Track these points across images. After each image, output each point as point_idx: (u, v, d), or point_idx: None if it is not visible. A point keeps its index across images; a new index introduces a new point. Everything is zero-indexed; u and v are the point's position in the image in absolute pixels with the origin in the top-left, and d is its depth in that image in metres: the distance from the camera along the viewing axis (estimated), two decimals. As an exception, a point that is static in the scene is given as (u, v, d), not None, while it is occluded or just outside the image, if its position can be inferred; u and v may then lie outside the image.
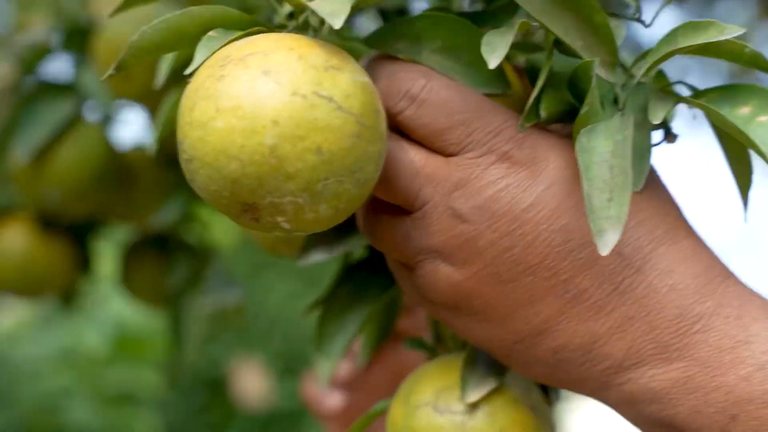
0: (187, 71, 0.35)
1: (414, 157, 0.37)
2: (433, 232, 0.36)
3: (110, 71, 0.36)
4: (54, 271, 0.76)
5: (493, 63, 0.34)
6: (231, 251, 2.59)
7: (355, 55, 0.39)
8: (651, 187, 0.37)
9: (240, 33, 0.36)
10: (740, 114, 0.34)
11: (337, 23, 0.32)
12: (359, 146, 0.33)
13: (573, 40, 0.36)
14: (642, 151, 0.37)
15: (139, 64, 0.36)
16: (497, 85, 0.39)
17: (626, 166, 0.33)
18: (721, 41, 0.34)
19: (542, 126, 0.37)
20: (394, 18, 0.41)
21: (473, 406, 0.38)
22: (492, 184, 0.35)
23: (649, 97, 0.36)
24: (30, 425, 1.73)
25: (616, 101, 0.37)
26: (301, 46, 0.34)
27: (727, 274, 0.36)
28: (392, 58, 0.38)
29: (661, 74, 0.38)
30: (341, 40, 0.40)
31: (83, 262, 0.81)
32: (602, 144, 0.34)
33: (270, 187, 0.32)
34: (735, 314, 0.34)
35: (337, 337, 0.47)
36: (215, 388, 2.47)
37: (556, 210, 0.35)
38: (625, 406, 0.35)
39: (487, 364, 0.40)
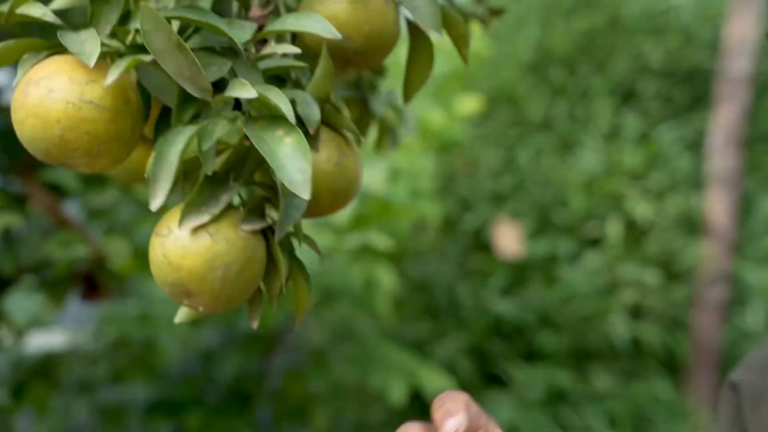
0: (13, 84, 0.53)
1: None
2: None
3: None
4: None
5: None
6: (479, 118, 2.77)
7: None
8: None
9: (44, 54, 0.53)
10: (276, 135, 0.49)
11: (92, 62, 0.50)
12: (114, 123, 0.52)
13: (183, 73, 0.50)
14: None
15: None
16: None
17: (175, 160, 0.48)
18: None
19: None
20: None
21: (173, 229, 0.52)
22: None
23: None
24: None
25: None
26: (72, 69, 0.52)
27: None
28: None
29: None
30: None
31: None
32: (177, 140, 0.49)
33: (65, 155, 0.52)
34: None
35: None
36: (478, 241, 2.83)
37: None
38: None
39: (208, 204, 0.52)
